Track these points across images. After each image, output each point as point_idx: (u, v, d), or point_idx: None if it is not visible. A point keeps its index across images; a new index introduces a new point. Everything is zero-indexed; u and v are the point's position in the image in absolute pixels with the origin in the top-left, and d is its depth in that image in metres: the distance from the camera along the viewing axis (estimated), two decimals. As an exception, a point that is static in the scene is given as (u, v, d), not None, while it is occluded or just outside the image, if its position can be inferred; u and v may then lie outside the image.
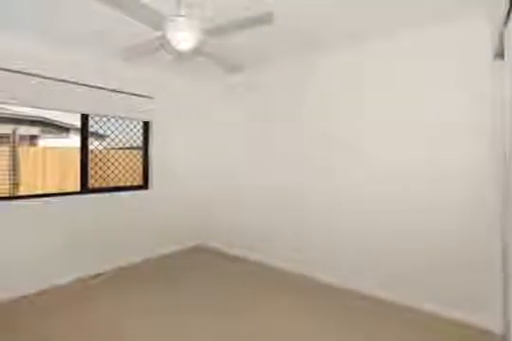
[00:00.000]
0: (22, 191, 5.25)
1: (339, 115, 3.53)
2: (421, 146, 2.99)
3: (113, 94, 3.90)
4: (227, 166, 4.72)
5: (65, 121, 7.68)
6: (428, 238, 2.94)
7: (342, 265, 3.49)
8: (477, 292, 2.68)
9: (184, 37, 2.19)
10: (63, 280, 3.45)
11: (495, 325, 2.58)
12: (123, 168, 4.27)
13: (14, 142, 5.60)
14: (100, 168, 4.06)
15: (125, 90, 4.02)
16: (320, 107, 3.69)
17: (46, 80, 3.32)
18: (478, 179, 2.68)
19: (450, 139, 2.83)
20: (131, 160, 4.34)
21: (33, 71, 3.22)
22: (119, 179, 4.21)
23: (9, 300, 3.05)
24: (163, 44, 2.44)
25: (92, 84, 3.68)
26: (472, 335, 2.53)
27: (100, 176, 4.04)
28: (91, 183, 3.85)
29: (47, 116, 7.49)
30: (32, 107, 3.32)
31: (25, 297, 3.11)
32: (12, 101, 3.14)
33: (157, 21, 2.16)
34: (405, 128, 3.08)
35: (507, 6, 1.80)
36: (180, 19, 2.15)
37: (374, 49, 3.26)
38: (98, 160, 4.04)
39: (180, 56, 3.60)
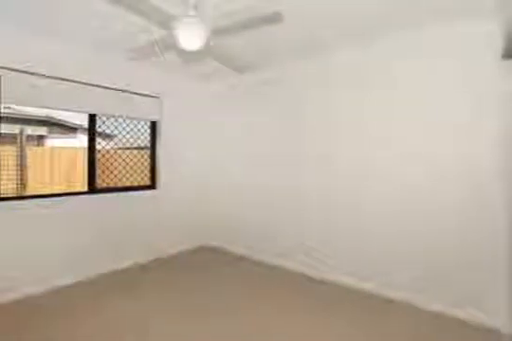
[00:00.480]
0: (29, 191, 5.28)
1: (342, 115, 3.54)
2: (447, 141, 2.89)
3: (120, 94, 3.88)
4: (234, 166, 4.69)
5: (73, 121, 7.72)
6: (432, 237, 2.93)
7: (362, 265, 3.47)
8: (483, 291, 2.66)
9: (192, 37, 2.17)
10: (68, 281, 3.42)
11: (503, 324, 2.56)
12: (131, 168, 4.26)
13: (22, 142, 5.62)
14: (108, 168, 4.05)
15: (133, 90, 4.00)
16: (323, 108, 3.70)
17: (54, 80, 3.31)
18: (484, 179, 2.67)
19: (459, 139, 2.80)
20: (138, 160, 4.33)
21: (40, 71, 3.21)
22: (127, 179, 4.20)
23: (9, 302, 2.99)
24: (171, 43, 2.42)
25: (99, 84, 3.67)
26: (479, 334, 2.51)
27: (108, 176, 4.03)
28: (98, 183, 3.84)
29: (55, 116, 7.53)
30: (39, 107, 3.31)
31: (28, 298, 3.08)
32: (20, 101, 3.14)
33: (166, 20, 2.14)
34: (418, 127, 3.04)
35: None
36: (189, 19, 2.12)
37: (398, 47, 3.16)
38: (105, 160, 4.03)
39: (188, 56, 3.58)
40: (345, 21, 2.82)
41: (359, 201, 3.40)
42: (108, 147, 4.05)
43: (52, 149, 6.20)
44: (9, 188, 4.99)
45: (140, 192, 4.17)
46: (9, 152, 5.20)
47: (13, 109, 6.57)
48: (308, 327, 2.61)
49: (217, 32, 2.29)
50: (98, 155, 3.82)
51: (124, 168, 4.20)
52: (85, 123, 3.71)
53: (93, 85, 3.61)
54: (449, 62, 2.83)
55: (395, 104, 3.15)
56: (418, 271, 2.99)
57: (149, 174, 4.39)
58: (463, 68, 2.76)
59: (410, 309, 2.93)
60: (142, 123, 4.34)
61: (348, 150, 3.48)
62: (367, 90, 3.34)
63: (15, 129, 5.80)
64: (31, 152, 5.70)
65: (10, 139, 5.54)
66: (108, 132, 3.99)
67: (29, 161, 5.46)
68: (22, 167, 5.29)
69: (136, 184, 4.25)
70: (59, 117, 7.58)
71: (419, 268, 2.99)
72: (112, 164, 4.10)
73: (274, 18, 2.10)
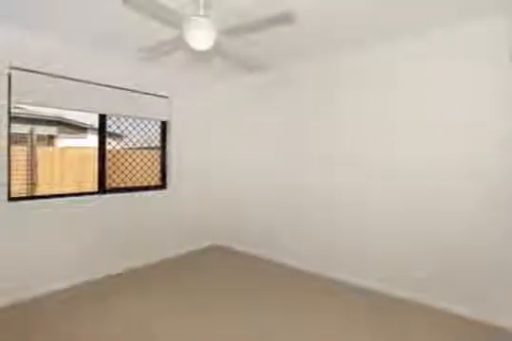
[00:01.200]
0: (39, 191, 5.31)
1: (346, 115, 3.57)
2: (454, 142, 2.88)
3: (131, 94, 3.88)
4: (242, 165, 4.69)
5: (83, 121, 7.74)
6: (436, 237, 2.95)
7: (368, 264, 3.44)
8: (490, 290, 2.67)
9: (203, 36, 2.15)
10: (76, 281, 3.43)
11: (509, 323, 2.57)
12: (141, 168, 4.26)
13: (32, 142, 5.66)
14: (118, 168, 4.05)
15: (143, 90, 4.00)
16: (328, 109, 3.73)
17: (64, 80, 3.32)
18: (492, 180, 2.67)
19: (466, 140, 2.80)
20: (149, 160, 4.33)
21: (50, 71, 3.22)
22: (137, 179, 4.20)
23: (15, 302, 3.00)
24: (182, 43, 2.41)
25: (110, 84, 3.67)
26: (486, 333, 2.53)
27: (118, 176, 4.03)
28: (109, 183, 3.84)
29: (65, 116, 7.55)
30: (50, 107, 3.32)
31: (35, 298, 3.09)
32: (30, 101, 3.15)
33: (177, 21, 2.13)
34: (423, 127, 3.03)
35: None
36: (199, 19, 2.11)
37: (406, 48, 3.15)
38: (115, 160, 4.03)
39: (198, 56, 3.57)
40: (355, 21, 2.79)
41: (363, 201, 3.42)
42: (118, 147, 4.05)
43: (62, 149, 6.23)
44: (20, 188, 5.02)
45: (151, 192, 4.17)
46: (20, 152, 5.24)
47: (24, 109, 6.62)
48: (316, 327, 2.59)
49: (227, 32, 2.28)
50: (108, 155, 3.82)
51: (134, 168, 4.20)
52: (96, 123, 3.72)
53: (103, 85, 3.62)
54: (459, 62, 2.81)
55: (399, 105, 3.17)
56: (426, 271, 3.00)
57: (159, 174, 4.39)
58: (472, 69, 2.75)
59: (419, 309, 2.92)
60: (153, 123, 4.33)
61: (351, 150, 3.51)
62: (371, 90, 3.36)
63: (25, 129, 5.84)
64: (42, 151, 5.74)
65: (21, 139, 5.58)
66: (118, 132, 3.99)
67: (40, 161, 5.50)
68: (32, 167, 5.32)
69: (146, 184, 4.25)
70: (69, 118, 7.60)
71: (426, 268, 2.99)
72: (122, 164, 4.10)
73: (285, 19, 2.08)
